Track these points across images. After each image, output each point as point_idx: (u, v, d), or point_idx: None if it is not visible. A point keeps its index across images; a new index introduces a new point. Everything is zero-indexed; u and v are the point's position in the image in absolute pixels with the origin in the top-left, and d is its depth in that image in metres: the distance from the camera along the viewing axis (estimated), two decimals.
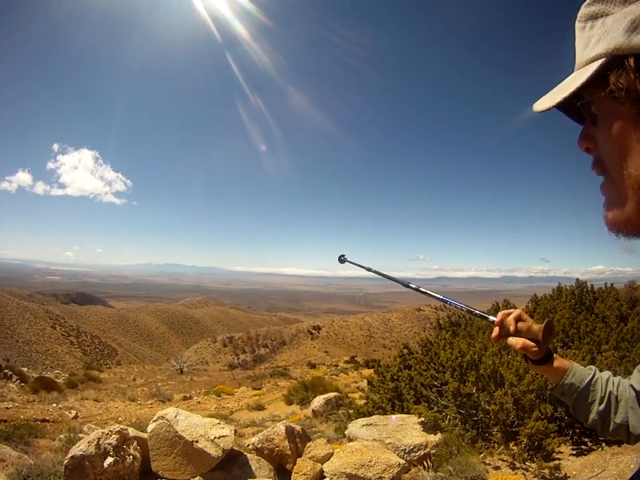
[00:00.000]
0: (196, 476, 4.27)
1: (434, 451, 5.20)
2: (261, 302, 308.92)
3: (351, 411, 9.07)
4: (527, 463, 4.95)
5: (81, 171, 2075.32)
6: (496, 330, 1.50)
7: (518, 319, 1.48)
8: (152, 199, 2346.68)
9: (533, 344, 1.44)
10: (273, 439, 4.90)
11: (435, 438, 5.34)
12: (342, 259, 2.92)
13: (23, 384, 19.17)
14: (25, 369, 25.48)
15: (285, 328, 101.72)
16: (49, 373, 30.09)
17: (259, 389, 20.67)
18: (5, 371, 20.60)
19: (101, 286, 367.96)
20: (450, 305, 1.77)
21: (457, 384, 5.55)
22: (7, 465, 5.33)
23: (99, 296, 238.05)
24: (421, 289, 1.97)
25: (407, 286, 2.07)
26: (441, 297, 1.81)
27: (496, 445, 5.34)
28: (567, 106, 0.90)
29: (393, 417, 6.01)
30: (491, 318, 1.54)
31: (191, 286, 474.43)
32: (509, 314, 1.49)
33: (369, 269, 2.55)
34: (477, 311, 1.63)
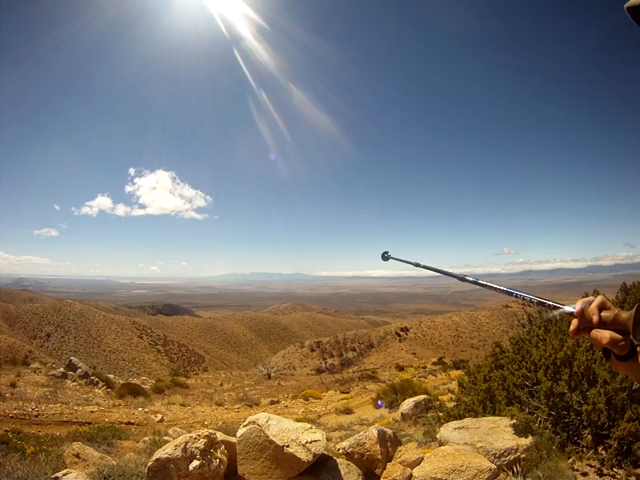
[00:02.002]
0: None
1: (524, 455, 4.88)
2: (348, 306, 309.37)
3: (440, 414, 8.80)
4: (614, 469, 4.56)
5: (159, 191, 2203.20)
6: (575, 322, 1.32)
7: (601, 307, 1.30)
8: (233, 211, 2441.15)
9: (620, 337, 1.28)
10: (364, 443, 4.82)
11: (525, 441, 5.01)
12: (386, 256, 2.76)
13: (109, 390, 20.55)
14: (111, 376, 27.24)
15: (373, 331, 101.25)
16: (135, 379, 31.97)
17: (347, 393, 20.71)
18: (92, 377, 22.18)
19: (187, 297, 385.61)
20: (517, 297, 1.59)
21: (550, 383, 5.20)
22: (88, 465, 5.61)
23: (186, 306, 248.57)
24: (479, 281, 1.81)
25: (463, 279, 1.93)
26: (505, 289, 1.64)
27: (585, 449, 4.93)
28: None
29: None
30: (568, 308, 1.36)
31: (278, 293, 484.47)
32: (590, 302, 1.32)
33: (417, 265, 2.43)
34: (548, 302, 1.43)
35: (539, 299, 1.47)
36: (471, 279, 1.88)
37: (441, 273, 2.15)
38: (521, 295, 1.57)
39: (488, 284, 1.74)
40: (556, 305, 1.40)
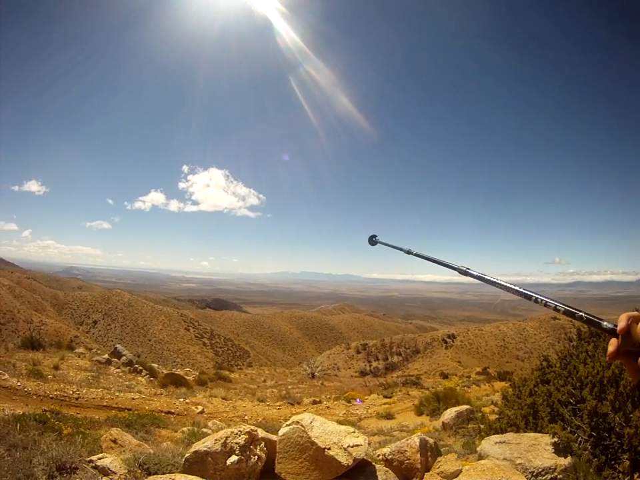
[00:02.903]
0: None
1: (561, 476, 4.71)
2: (397, 309, 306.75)
3: (482, 426, 8.59)
4: None
5: (212, 188, 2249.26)
6: (614, 343, 1.06)
7: None
8: (286, 210, 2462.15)
9: None
10: (405, 450, 4.78)
11: (564, 461, 4.84)
12: (374, 240, 2.56)
13: (152, 378, 21.02)
14: (155, 365, 27.86)
15: (420, 336, 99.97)
16: (179, 370, 32.60)
17: (390, 397, 20.53)
18: (135, 365, 22.77)
19: (237, 293, 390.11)
20: (538, 302, 1.33)
21: (595, 402, 5.00)
22: (124, 451, 5.66)
23: (235, 302, 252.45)
24: (486, 276, 1.54)
25: (466, 273, 1.67)
26: (523, 291, 1.38)
27: (621, 474, 4.69)
28: None
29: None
30: (607, 324, 1.08)
31: (328, 293, 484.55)
32: (638, 319, 1.05)
33: (408, 252, 2.23)
34: (580, 313, 1.15)
35: (566, 308, 1.21)
36: (475, 273, 1.61)
37: (435, 262, 1.90)
38: (543, 300, 1.30)
39: (498, 281, 1.46)
40: (591, 317, 1.13)
